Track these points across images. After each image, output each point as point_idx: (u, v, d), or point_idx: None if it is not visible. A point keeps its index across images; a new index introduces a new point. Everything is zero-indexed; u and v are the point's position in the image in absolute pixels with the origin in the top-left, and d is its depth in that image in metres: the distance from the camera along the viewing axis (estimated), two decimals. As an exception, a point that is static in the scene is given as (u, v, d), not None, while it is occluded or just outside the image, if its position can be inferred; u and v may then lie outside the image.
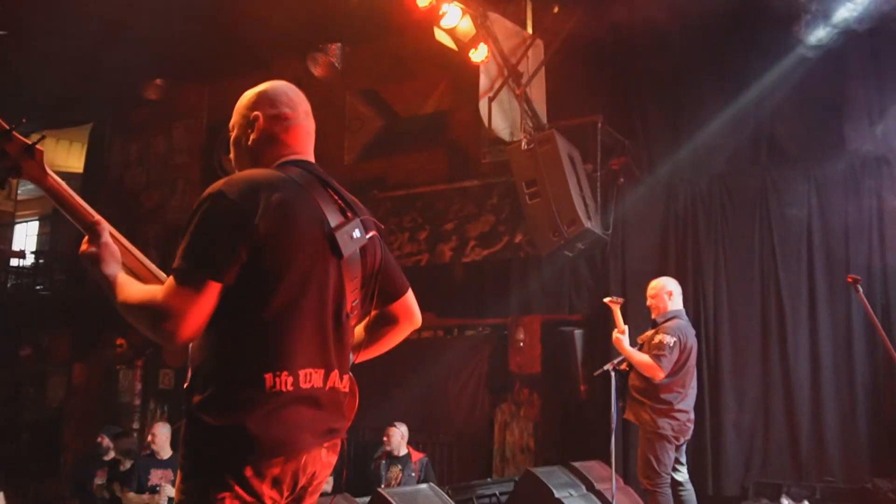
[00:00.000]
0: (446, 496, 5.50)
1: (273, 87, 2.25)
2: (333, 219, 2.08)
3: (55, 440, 10.94)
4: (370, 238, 2.17)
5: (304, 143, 2.24)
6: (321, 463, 2.04)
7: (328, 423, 2.03)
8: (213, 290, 1.88)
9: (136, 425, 10.16)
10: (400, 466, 7.28)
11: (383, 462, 7.41)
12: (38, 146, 2.02)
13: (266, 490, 1.91)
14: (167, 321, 1.85)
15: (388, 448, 7.36)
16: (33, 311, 12.00)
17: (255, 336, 1.93)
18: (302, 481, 2.00)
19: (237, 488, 1.88)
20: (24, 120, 2.00)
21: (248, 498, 1.89)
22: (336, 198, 2.14)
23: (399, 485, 7.07)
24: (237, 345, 1.93)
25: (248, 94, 2.25)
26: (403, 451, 7.37)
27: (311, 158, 2.23)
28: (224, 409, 1.89)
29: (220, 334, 1.94)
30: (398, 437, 7.35)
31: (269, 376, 1.91)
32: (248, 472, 1.89)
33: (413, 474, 7.20)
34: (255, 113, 2.19)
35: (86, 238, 2.08)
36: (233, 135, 2.26)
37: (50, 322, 11.51)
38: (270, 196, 1.95)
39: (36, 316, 11.79)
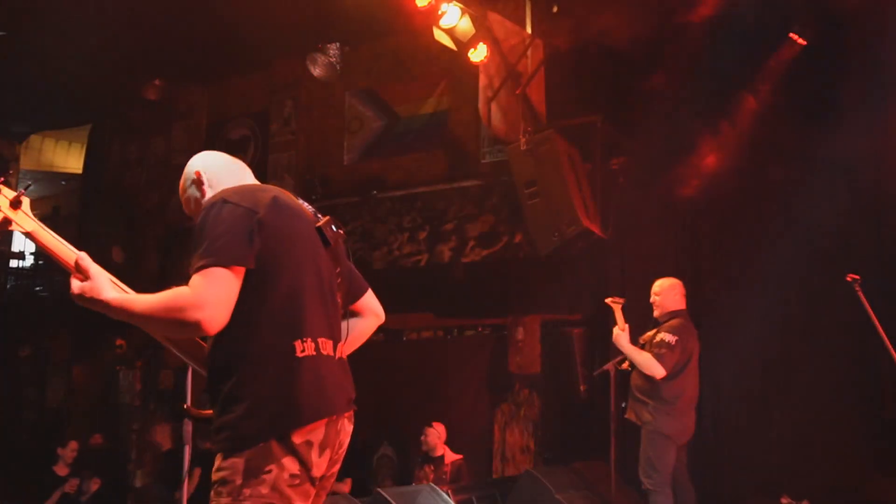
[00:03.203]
0: (446, 496, 5.51)
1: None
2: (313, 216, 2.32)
3: (55, 441, 10.92)
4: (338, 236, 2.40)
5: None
6: (345, 432, 2.16)
7: (349, 390, 2.20)
8: (238, 276, 2.01)
9: (136, 426, 10.15)
10: (433, 466, 7.28)
11: (418, 460, 7.42)
12: (23, 196, 2.10)
13: (314, 458, 1.98)
14: (201, 312, 1.94)
15: (424, 448, 7.36)
16: (33, 312, 11.99)
17: (276, 308, 2.07)
18: (336, 447, 2.10)
19: (285, 459, 1.93)
20: (29, 185, 2.08)
21: (296, 469, 1.95)
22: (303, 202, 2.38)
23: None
24: (264, 318, 2.05)
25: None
26: (439, 451, 7.35)
27: None
28: (261, 380, 1.99)
29: (244, 313, 2.04)
30: (434, 437, 7.33)
31: (297, 343, 2.04)
32: (297, 439, 1.96)
33: (445, 476, 7.15)
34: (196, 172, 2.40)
35: (72, 277, 2.14)
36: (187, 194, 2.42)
37: (50, 323, 11.49)
38: (265, 196, 2.17)
39: (36, 317, 11.77)
